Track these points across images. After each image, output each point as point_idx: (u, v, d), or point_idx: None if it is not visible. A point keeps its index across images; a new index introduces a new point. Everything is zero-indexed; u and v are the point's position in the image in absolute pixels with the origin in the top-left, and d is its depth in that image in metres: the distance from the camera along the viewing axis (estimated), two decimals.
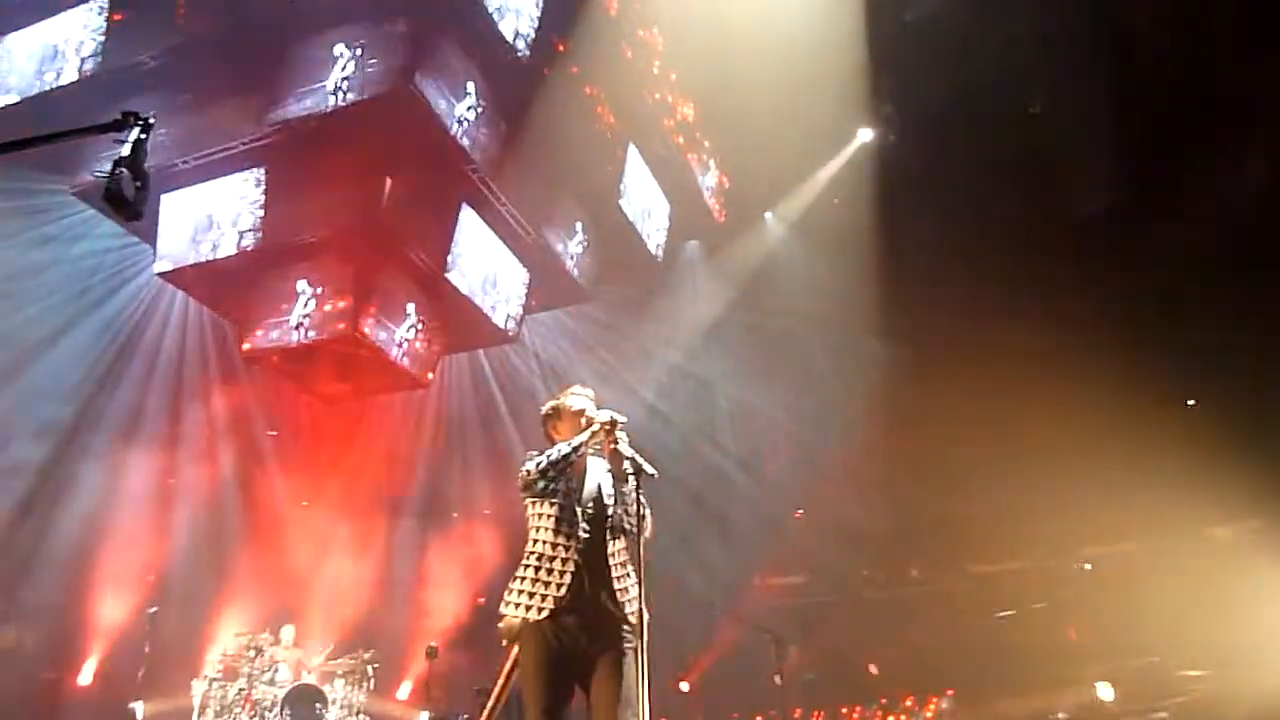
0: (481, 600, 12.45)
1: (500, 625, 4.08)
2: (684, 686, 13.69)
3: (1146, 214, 11.18)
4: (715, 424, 14.45)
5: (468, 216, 10.60)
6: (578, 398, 4.38)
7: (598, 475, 4.27)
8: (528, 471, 4.10)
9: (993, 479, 11.90)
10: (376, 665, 9.55)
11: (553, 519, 4.10)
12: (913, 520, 13.23)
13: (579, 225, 12.02)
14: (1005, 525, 12.38)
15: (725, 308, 13.60)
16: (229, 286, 10.32)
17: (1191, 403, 12.08)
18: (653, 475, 3.95)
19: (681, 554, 12.14)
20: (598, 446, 4.19)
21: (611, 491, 4.23)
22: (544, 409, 4.40)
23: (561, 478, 4.11)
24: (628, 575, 4.11)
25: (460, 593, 12.97)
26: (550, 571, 4.03)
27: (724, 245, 13.63)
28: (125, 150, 3.59)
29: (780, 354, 13.32)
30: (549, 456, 4.11)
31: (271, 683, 9.01)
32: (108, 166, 3.54)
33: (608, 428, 4.15)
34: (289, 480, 12.72)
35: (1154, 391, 10.93)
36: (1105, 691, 8.65)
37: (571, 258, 11.87)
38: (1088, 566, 12.63)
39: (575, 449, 4.12)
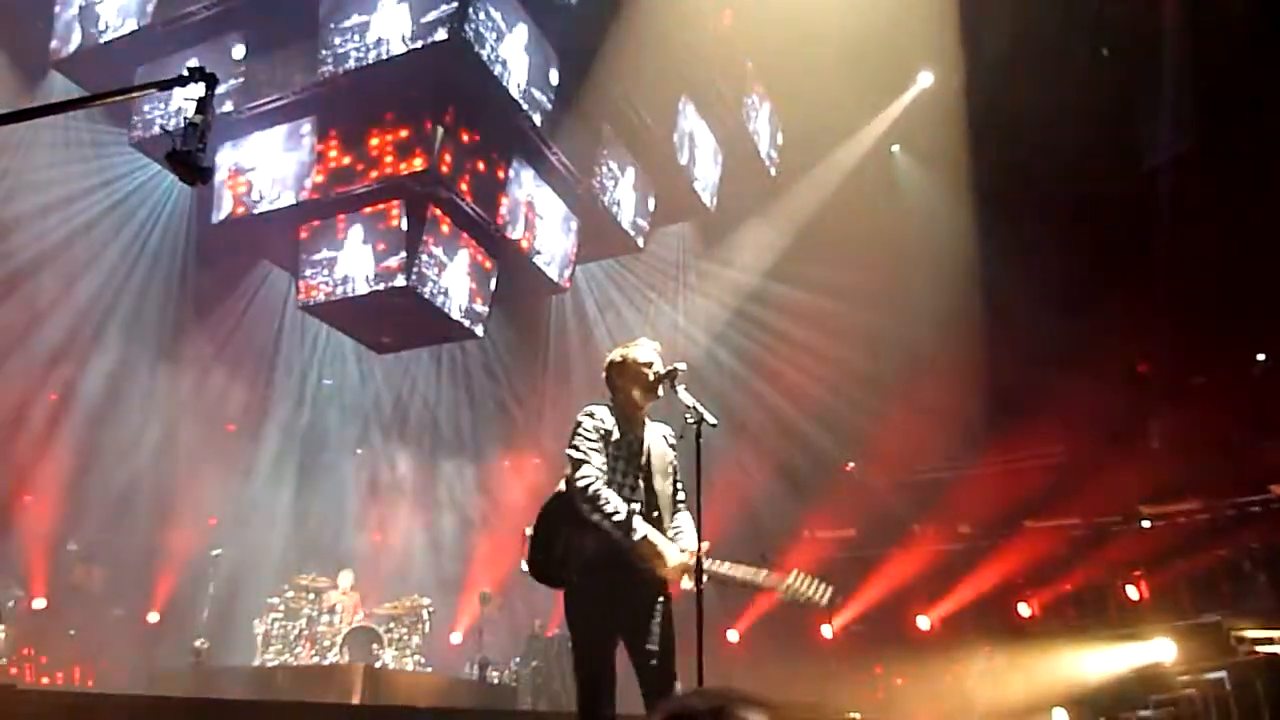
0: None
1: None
2: (732, 636, 13.87)
3: (1218, 164, 10.85)
4: (768, 374, 14.46)
5: (519, 165, 10.59)
6: (644, 350, 4.37)
7: (655, 426, 4.31)
8: (578, 480, 4.02)
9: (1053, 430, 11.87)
10: (433, 610, 9.83)
11: (605, 468, 4.13)
12: (965, 473, 13.29)
13: (631, 174, 11.95)
14: (1066, 478, 12.38)
15: (781, 257, 13.56)
16: (282, 237, 10.42)
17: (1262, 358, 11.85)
18: (714, 425, 3.94)
19: (731, 501, 12.21)
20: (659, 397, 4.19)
21: (667, 444, 4.28)
22: (610, 358, 4.39)
23: (609, 445, 4.11)
24: (679, 526, 4.14)
25: (517, 538, 13.23)
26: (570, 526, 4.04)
27: (778, 195, 13.54)
28: (191, 110, 3.60)
29: (834, 310, 13.27)
30: (605, 428, 4.10)
31: (330, 624, 9.32)
32: (160, 115, 3.49)
33: (669, 377, 4.16)
34: (344, 427, 12.97)
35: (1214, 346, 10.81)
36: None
37: (621, 206, 11.82)
38: (1146, 524, 12.50)
39: (622, 536, 3.95)
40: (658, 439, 4.32)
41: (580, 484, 4.01)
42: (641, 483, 4.15)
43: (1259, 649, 7.73)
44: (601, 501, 3.98)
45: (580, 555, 4.03)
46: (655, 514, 4.11)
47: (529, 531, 4.19)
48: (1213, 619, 8.82)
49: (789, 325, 13.92)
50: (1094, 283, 11.94)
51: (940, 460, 13.81)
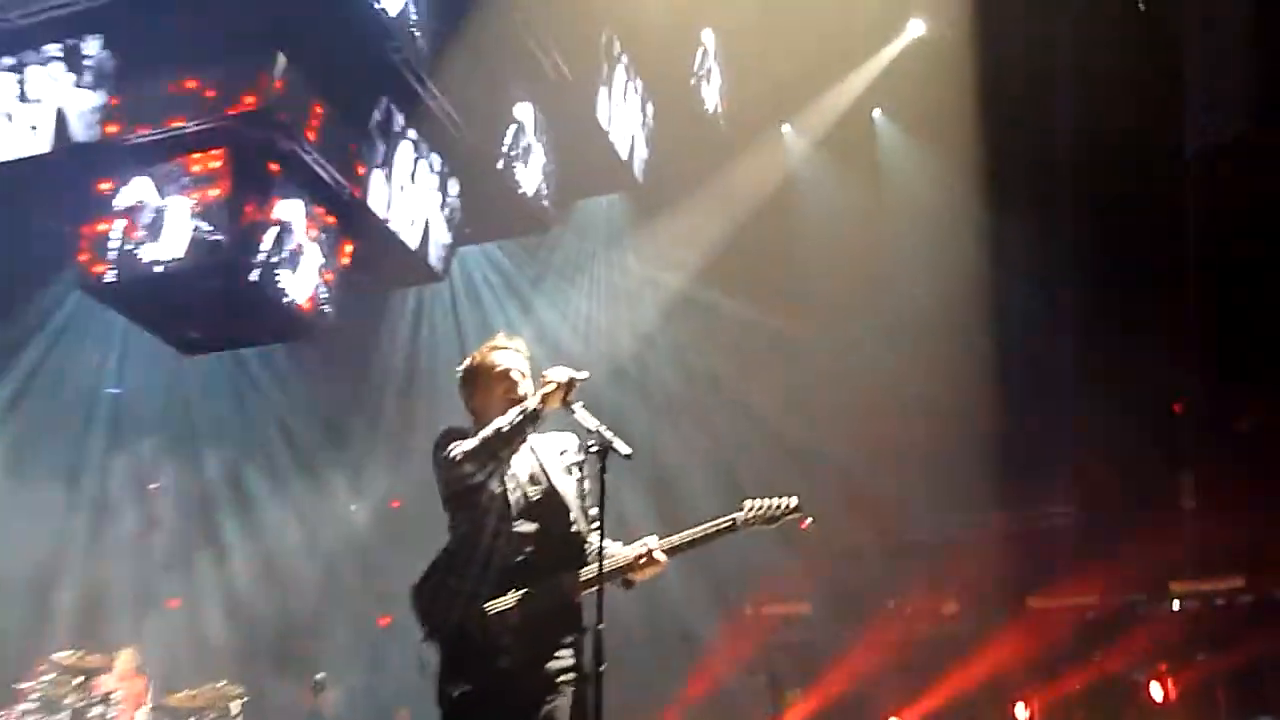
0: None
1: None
2: None
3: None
4: (703, 395, 14.63)
5: (387, 112, 10.50)
6: (502, 353, 4.42)
7: (546, 455, 4.37)
8: (449, 457, 4.16)
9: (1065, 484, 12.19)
10: (246, 700, 9.59)
11: (480, 516, 4.18)
12: (954, 536, 13.55)
13: (538, 136, 11.99)
14: (1079, 545, 12.67)
15: (731, 249, 13.65)
16: (60, 196, 10.12)
17: None
18: (626, 455, 3.96)
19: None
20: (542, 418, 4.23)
21: (564, 479, 4.33)
22: (459, 371, 4.48)
23: (500, 461, 4.17)
24: (605, 564, 4.16)
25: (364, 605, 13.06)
26: (472, 577, 4.15)
27: (727, 165, 13.63)
28: None
29: (793, 320, 13.50)
30: (480, 438, 4.14)
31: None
32: None
33: (563, 390, 4.14)
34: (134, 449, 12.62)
35: None
36: None
37: (525, 173, 11.86)
38: (1176, 605, 12.86)
39: (517, 426, 4.14)
40: (553, 456, 4.39)
41: (447, 459, 4.18)
42: (522, 518, 4.20)
43: None
44: (464, 442, 4.15)
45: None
46: (543, 556, 4.18)
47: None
48: None
49: (736, 336, 14.03)
50: (1121, 297, 12.27)
51: (923, 519, 13.93)
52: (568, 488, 4.32)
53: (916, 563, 13.56)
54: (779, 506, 4.23)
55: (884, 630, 13.43)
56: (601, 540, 4.06)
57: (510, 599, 4.11)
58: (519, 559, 4.15)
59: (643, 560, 4.16)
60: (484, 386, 4.39)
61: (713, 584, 13.26)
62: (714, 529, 4.21)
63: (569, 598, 4.15)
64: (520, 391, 4.30)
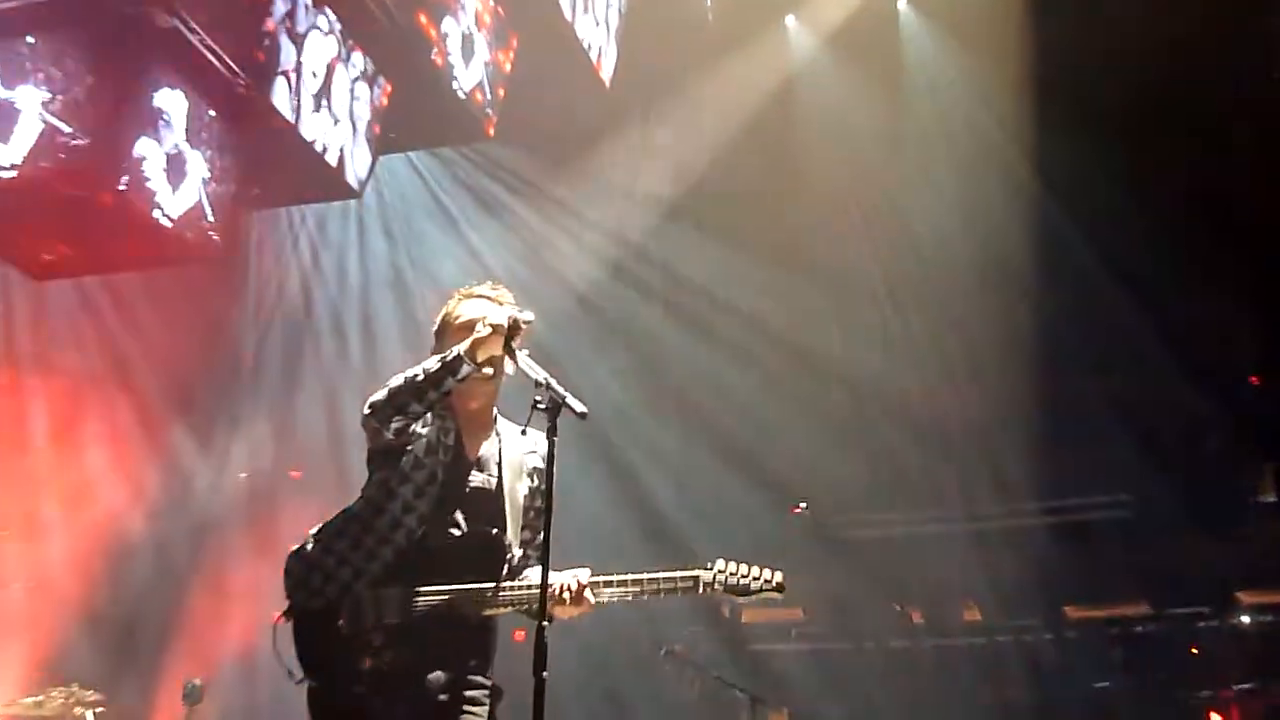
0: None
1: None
2: None
3: None
4: (676, 354, 14.64)
5: None
6: (472, 303, 4.56)
7: (510, 448, 4.56)
8: (366, 406, 4.36)
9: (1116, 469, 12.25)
10: (101, 710, 9.51)
11: (396, 483, 4.36)
12: (980, 529, 13.42)
13: (479, 22, 11.92)
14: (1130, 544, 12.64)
15: (713, 163, 13.63)
16: None
17: None
18: (581, 413, 4.05)
19: (607, 559, 12.07)
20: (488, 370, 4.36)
21: (516, 480, 4.53)
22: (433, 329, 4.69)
23: (409, 416, 4.30)
24: (503, 588, 4.33)
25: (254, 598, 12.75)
26: (365, 550, 4.34)
27: (715, 64, 13.55)
28: None
29: (798, 241, 13.39)
30: (388, 387, 4.32)
31: None
32: None
33: (501, 335, 4.24)
34: None
35: None
36: None
37: (464, 71, 11.75)
38: (1245, 619, 12.83)
39: (432, 375, 4.25)
40: (515, 453, 4.55)
41: (365, 407, 4.38)
42: (453, 513, 4.37)
43: None
44: (382, 393, 4.33)
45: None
46: (461, 542, 4.35)
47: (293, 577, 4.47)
48: None
49: (724, 271, 14.00)
50: (1191, 242, 12.12)
51: (944, 507, 13.81)
52: (518, 490, 4.49)
53: (931, 560, 13.47)
54: (757, 579, 4.30)
55: (890, 640, 13.33)
56: (547, 539, 4.05)
57: (395, 592, 4.25)
58: (424, 548, 4.29)
59: (567, 595, 4.22)
60: (445, 340, 4.52)
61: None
62: (668, 583, 4.31)
63: (471, 614, 4.28)
64: (489, 351, 4.30)
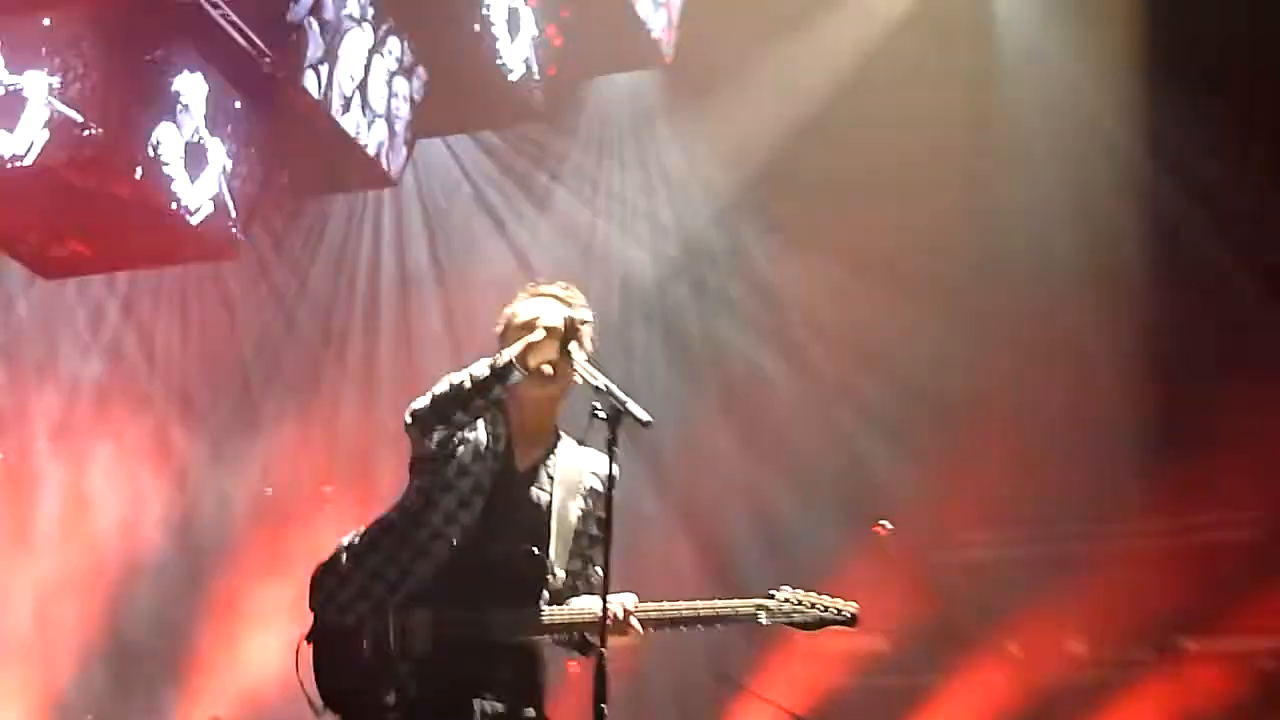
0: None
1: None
2: None
3: None
4: (738, 359, 14.44)
5: None
6: (537, 301, 4.55)
7: (566, 465, 4.52)
8: (411, 413, 4.34)
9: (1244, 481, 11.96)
10: None
11: (437, 492, 4.34)
12: (1086, 550, 13.15)
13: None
14: (1261, 565, 12.28)
15: (777, 151, 13.44)
16: None
17: None
18: (646, 422, 3.97)
19: (664, 581, 11.47)
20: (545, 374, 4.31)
21: (570, 500, 4.47)
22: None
23: (453, 426, 4.30)
24: (541, 613, 4.30)
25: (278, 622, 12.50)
26: (400, 565, 4.30)
27: (785, 35, 13.41)
28: None
29: (873, 238, 13.09)
30: (431, 394, 4.29)
31: None
32: None
33: (556, 338, 4.21)
34: None
35: None
36: None
37: (509, 47, 11.73)
38: None
39: (479, 382, 4.20)
40: (572, 469, 4.51)
41: (408, 414, 4.38)
42: (498, 531, 4.31)
43: None
44: (424, 400, 4.31)
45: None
46: (508, 563, 4.29)
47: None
48: None
49: (798, 261, 13.82)
50: None
51: (1043, 525, 13.57)
52: (570, 511, 4.44)
53: (1032, 586, 13.07)
54: (826, 610, 4.29)
55: (985, 676, 13.05)
56: (606, 563, 3.98)
57: (423, 616, 4.21)
58: (463, 564, 4.25)
59: (610, 623, 4.06)
60: (505, 341, 4.47)
61: (765, 587, 13.00)
62: (726, 612, 4.30)
63: (509, 640, 4.27)
64: (543, 356, 4.26)
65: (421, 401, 4.29)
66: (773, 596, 4.27)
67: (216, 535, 14.05)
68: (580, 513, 4.48)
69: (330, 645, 4.34)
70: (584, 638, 4.23)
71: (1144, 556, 12.92)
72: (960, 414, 12.97)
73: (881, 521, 11.91)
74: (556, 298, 4.54)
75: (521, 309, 4.55)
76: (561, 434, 4.59)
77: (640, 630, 4.19)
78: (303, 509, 13.64)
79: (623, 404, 3.95)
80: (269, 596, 12.48)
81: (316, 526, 12.80)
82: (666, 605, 4.26)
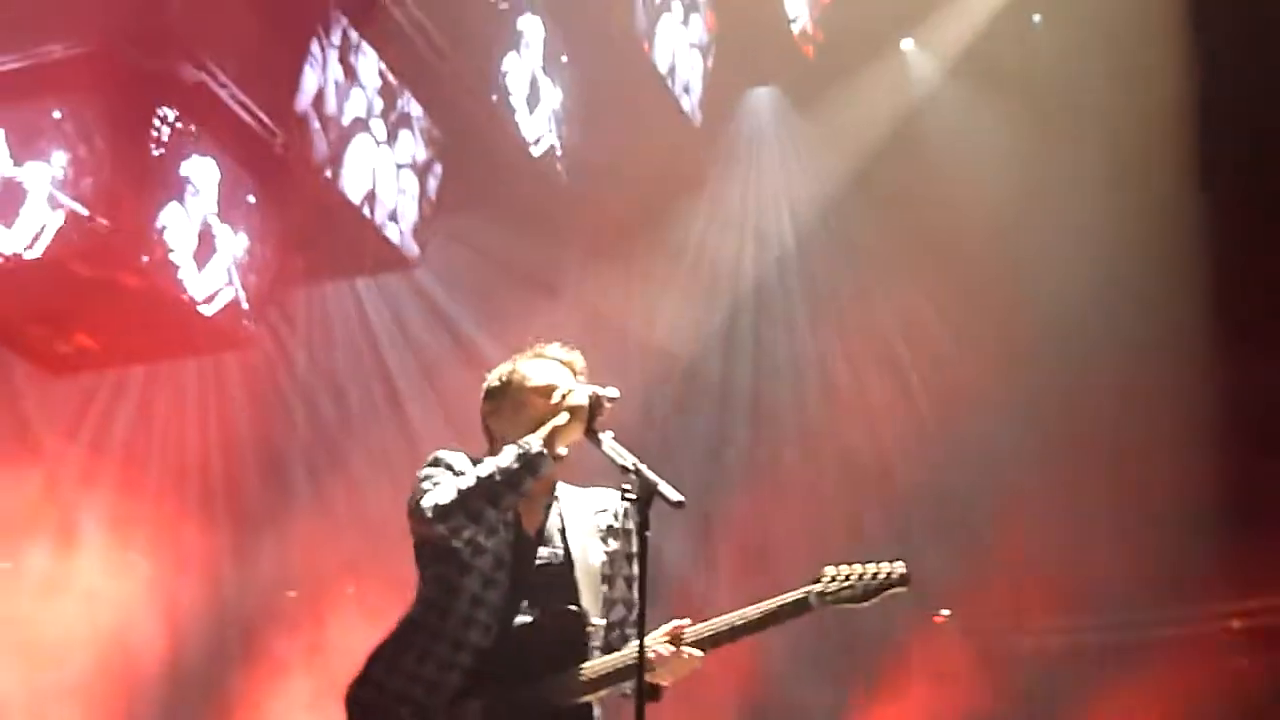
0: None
1: None
2: None
3: None
4: (790, 419, 14.30)
5: (339, 36, 10.43)
6: (542, 365, 4.43)
7: (572, 510, 4.42)
8: (420, 506, 4.12)
9: None
10: None
11: (458, 576, 4.18)
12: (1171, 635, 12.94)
13: (549, 64, 11.97)
14: None
15: (824, 210, 13.50)
16: None
17: None
18: (677, 502, 3.82)
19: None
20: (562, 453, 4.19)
21: (589, 545, 4.37)
22: (485, 385, 4.51)
23: (483, 525, 4.12)
24: (592, 669, 4.16)
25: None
26: (437, 661, 4.13)
27: (819, 94, 13.64)
28: None
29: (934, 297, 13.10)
30: (458, 490, 4.08)
31: None
32: None
33: (584, 418, 4.11)
34: None
35: None
36: None
37: (529, 119, 11.85)
38: None
39: (512, 476, 4.07)
40: (580, 517, 4.41)
41: (417, 508, 4.12)
42: (526, 598, 4.20)
43: None
44: (447, 485, 4.09)
45: None
46: (544, 652, 4.15)
47: None
48: None
49: (835, 338, 13.77)
50: None
51: (1129, 607, 13.26)
52: (591, 558, 4.32)
53: (1119, 672, 12.94)
54: (875, 576, 4.08)
55: None
56: (641, 626, 3.83)
57: (475, 706, 4.08)
58: (500, 644, 4.12)
59: (662, 649, 4.04)
60: (512, 406, 4.35)
61: (824, 678, 13.04)
62: (774, 609, 4.10)
63: (562, 703, 4.11)
64: (570, 438, 4.15)
65: (445, 498, 4.04)
66: (819, 579, 4.10)
67: (235, 632, 13.90)
68: (605, 557, 4.38)
69: None
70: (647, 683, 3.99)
71: (1237, 640, 12.89)
72: (1038, 480, 12.86)
73: (942, 611, 11.57)
74: (561, 361, 4.45)
75: (530, 372, 4.40)
76: (556, 483, 4.45)
77: (698, 653, 4.06)
78: (326, 605, 13.50)
79: (654, 485, 3.82)
80: (292, 693, 12.54)
81: (342, 621, 12.85)
82: (715, 621, 4.10)
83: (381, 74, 10.92)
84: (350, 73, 10.64)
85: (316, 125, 10.32)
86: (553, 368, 4.41)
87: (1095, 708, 12.88)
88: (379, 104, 10.95)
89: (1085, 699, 12.91)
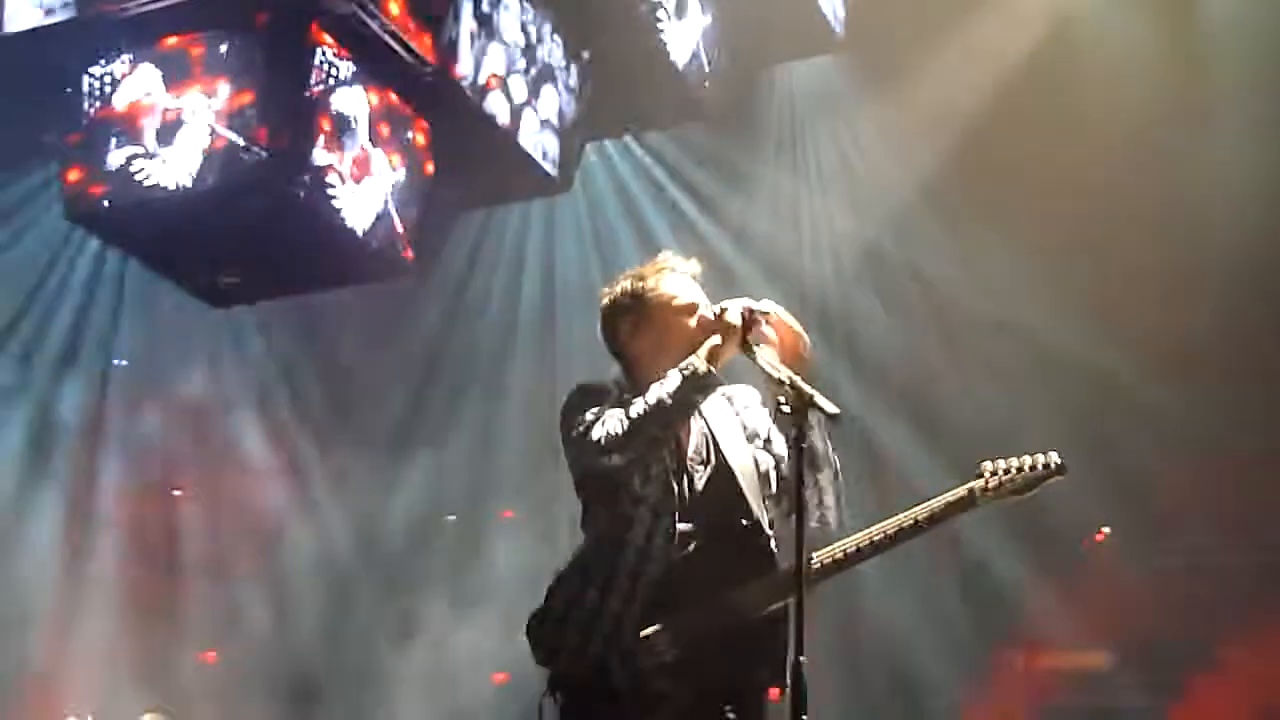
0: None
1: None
2: None
3: None
4: (940, 339, 14.22)
5: None
6: (673, 278, 4.44)
7: (715, 418, 4.39)
8: (586, 438, 4.18)
9: None
10: None
11: (630, 506, 4.17)
12: None
13: None
14: None
15: (966, 139, 13.06)
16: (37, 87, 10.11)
17: None
18: (834, 415, 3.87)
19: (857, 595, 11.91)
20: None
21: (738, 450, 4.34)
22: (608, 297, 4.52)
23: (653, 452, 4.15)
24: (776, 618, 4.14)
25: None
26: (619, 593, 4.14)
27: (963, 16, 13.10)
28: None
29: (1073, 236, 12.87)
30: (627, 415, 4.12)
31: None
32: None
33: (739, 334, 4.12)
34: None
35: None
36: None
37: (676, 38, 11.63)
38: None
39: (682, 398, 4.09)
40: (724, 423, 4.41)
41: (583, 439, 4.18)
42: (695, 518, 4.20)
43: None
44: (610, 418, 4.14)
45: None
46: (714, 569, 4.17)
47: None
48: None
49: (976, 270, 13.49)
50: None
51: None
52: (743, 463, 4.32)
53: (1275, 601, 12.67)
54: (1034, 468, 4.15)
55: (1216, 700, 12.78)
56: (800, 540, 3.84)
57: (664, 627, 4.11)
58: (680, 567, 4.13)
59: (823, 566, 4.14)
60: (651, 324, 4.37)
61: (963, 620, 13.00)
62: (941, 507, 4.16)
63: (750, 617, 4.11)
64: (728, 355, 4.17)
65: (616, 430, 4.08)
66: (979, 476, 4.17)
67: (397, 556, 14.33)
68: (760, 459, 4.39)
69: (575, 696, 4.22)
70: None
71: None
72: (1185, 419, 12.55)
73: (1103, 529, 11.47)
74: (686, 274, 4.49)
75: (669, 289, 4.41)
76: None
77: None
78: (482, 531, 13.80)
79: (810, 397, 3.84)
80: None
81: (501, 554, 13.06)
82: (875, 527, 4.17)
83: (527, 15, 10.88)
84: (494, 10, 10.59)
85: (465, 52, 10.28)
86: (687, 283, 4.43)
87: (1254, 641, 12.68)
88: (528, 31, 10.95)
89: (1239, 634, 12.76)
